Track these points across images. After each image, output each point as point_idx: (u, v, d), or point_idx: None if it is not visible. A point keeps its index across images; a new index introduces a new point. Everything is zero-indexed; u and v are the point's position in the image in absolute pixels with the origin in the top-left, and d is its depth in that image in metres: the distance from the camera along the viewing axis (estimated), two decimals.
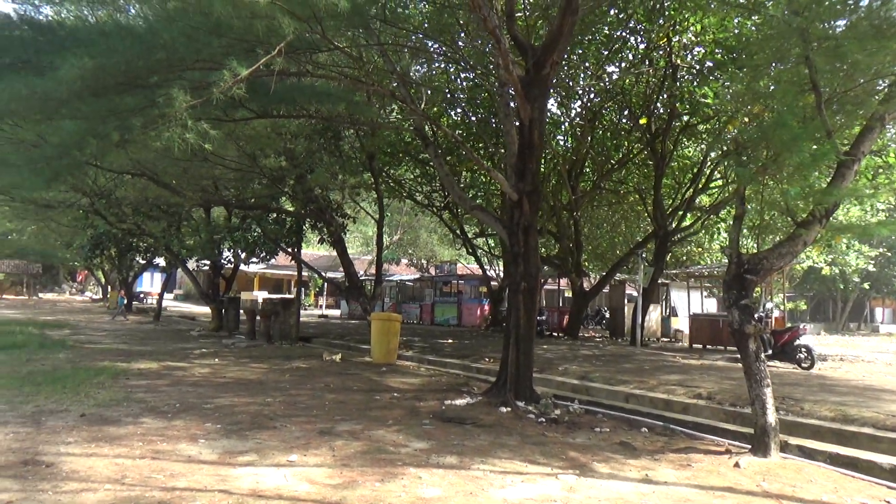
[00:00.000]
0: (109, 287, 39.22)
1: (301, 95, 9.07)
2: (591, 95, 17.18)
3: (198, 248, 20.66)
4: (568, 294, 30.98)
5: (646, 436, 7.00)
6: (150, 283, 45.10)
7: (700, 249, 25.87)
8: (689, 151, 19.75)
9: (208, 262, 22.38)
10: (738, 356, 6.61)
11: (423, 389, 9.56)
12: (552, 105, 17.24)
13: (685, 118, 16.88)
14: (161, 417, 6.80)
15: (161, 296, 27.77)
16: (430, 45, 12.94)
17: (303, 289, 44.52)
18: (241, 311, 19.38)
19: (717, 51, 13.86)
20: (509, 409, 8.03)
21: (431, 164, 18.31)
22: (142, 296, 41.65)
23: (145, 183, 15.90)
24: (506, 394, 8.48)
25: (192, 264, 24.01)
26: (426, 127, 11.26)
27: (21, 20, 6.84)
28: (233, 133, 12.29)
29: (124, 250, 25.54)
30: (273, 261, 23.43)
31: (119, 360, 11.74)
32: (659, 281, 19.51)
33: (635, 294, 22.05)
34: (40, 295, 50.42)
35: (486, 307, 25.67)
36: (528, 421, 7.49)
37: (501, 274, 26.58)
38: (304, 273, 24.86)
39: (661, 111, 16.89)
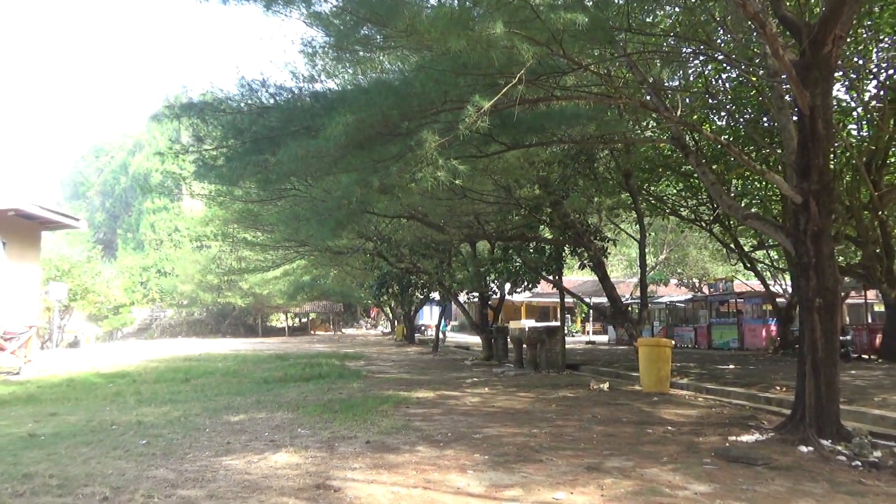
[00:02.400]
0: (396, 321, 43.44)
1: (550, 121, 9.00)
2: (891, 72, 14.42)
3: (466, 281, 21.99)
4: (878, 308, 26.36)
5: None
6: (429, 317, 48.97)
7: None
8: None
9: (477, 294, 23.54)
10: None
11: (701, 423, 8.63)
12: (838, 90, 14.88)
13: None
14: (434, 446, 7.06)
15: (438, 327, 29.80)
16: (683, 48, 12.04)
17: (569, 315, 44.71)
18: (509, 340, 19.84)
19: None
20: (810, 448, 6.81)
21: (695, 175, 16.99)
22: (422, 328, 45.41)
23: (417, 224, 17.25)
24: (805, 430, 7.23)
25: (462, 297, 25.47)
26: (686, 135, 10.40)
27: (301, 92, 7.85)
28: (488, 168, 12.72)
29: (405, 287, 28.13)
30: (538, 289, 23.76)
31: (401, 389, 12.69)
32: None
33: None
34: (343, 330, 58.16)
35: (773, 327, 22.84)
36: (836, 464, 6.25)
37: (789, 289, 23.56)
38: (569, 299, 24.75)
39: None
